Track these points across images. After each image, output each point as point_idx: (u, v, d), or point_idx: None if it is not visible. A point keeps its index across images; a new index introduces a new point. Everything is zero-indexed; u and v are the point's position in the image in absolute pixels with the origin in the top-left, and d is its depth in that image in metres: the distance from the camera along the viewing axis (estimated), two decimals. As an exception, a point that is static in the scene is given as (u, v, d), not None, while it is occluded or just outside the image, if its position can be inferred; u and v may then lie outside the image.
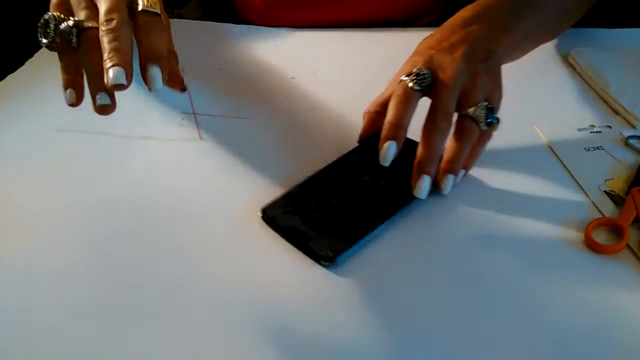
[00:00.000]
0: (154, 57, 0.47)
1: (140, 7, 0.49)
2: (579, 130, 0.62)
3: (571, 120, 0.63)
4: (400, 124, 0.51)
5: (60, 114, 0.64)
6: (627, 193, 0.53)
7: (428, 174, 0.51)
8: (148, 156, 0.59)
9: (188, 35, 0.80)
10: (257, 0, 0.79)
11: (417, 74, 0.52)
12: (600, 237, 0.50)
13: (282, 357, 0.42)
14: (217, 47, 0.77)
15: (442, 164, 0.52)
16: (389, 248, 0.50)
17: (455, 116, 0.52)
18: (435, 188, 0.52)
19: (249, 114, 0.65)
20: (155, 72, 0.47)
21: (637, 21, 0.80)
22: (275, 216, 0.50)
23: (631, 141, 0.59)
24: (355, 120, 0.62)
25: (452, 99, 0.51)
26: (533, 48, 0.64)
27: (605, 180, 0.55)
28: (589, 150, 0.59)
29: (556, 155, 0.58)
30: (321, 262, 0.48)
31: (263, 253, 0.50)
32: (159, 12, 0.50)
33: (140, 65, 0.47)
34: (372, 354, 0.42)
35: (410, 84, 0.52)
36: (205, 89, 0.69)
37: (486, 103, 0.52)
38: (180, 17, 0.86)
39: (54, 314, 0.45)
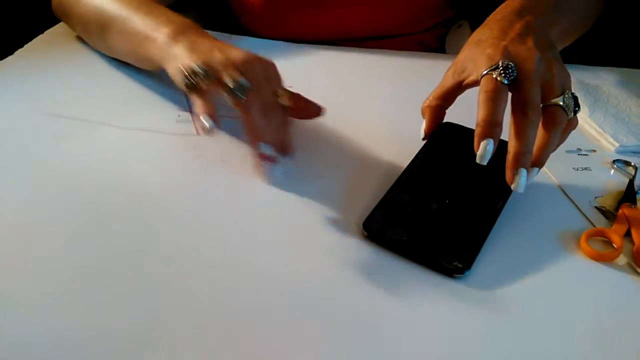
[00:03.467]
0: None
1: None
2: (567, 152, 0.64)
3: (559, 143, 0.65)
4: (496, 120, 0.49)
5: (53, 100, 0.63)
6: (616, 209, 0.55)
7: (525, 167, 0.49)
8: (145, 147, 0.59)
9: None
10: (256, 4, 0.79)
11: (505, 67, 0.50)
12: (595, 247, 0.51)
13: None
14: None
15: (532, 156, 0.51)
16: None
17: None
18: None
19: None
20: None
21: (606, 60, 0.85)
22: (381, 230, 0.49)
23: (617, 164, 0.62)
24: (353, 121, 0.63)
25: (538, 89, 0.51)
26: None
27: (595, 198, 0.57)
28: (577, 170, 0.61)
29: (549, 174, 0.60)
30: (453, 275, 0.47)
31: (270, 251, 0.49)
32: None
33: None
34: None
35: (499, 78, 0.50)
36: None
37: (570, 92, 0.52)
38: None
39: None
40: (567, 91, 0.52)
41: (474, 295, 0.46)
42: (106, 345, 0.40)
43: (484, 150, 0.49)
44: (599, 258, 0.50)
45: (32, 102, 0.63)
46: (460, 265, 0.46)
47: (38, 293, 0.44)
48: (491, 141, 0.49)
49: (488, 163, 0.49)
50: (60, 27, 0.77)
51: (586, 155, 0.64)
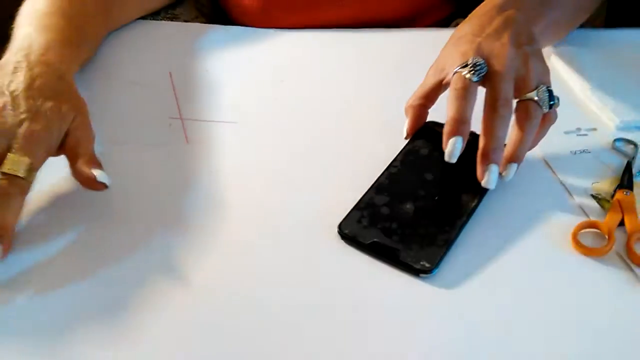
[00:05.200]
0: None
1: (2, 168, 0.47)
2: (566, 133, 0.62)
3: (558, 123, 0.63)
4: (464, 118, 0.50)
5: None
6: (612, 196, 0.53)
7: (496, 163, 0.50)
8: (133, 160, 0.59)
9: (174, 38, 0.80)
10: (252, 2, 0.79)
11: (474, 65, 0.51)
12: (587, 239, 0.50)
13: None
14: (203, 49, 0.77)
15: (507, 152, 0.51)
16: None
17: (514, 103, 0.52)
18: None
19: (237, 118, 0.65)
20: None
21: (620, 21, 0.81)
22: (355, 233, 0.49)
23: (617, 144, 0.60)
24: (345, 121, 0.63)
25: (510, 85, 0.51)
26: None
27: (592, 184, 0.56)
28: (575, 153, 0.60)
29: (544, 159, 0.59)
30: (420, 275, 0.47)
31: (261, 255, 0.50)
32: (22, 175, 0.47)
33: None
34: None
35: (468, 76, 0.51)
36: (192, 91, 0.69)
37: (545, 86, 0.52)
38: (175, 17, 0.86)
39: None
40: (541, 85, 0.51)
41: (446, 294, 0.47)
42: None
43: (452, 147, 0.49)
44: (588, 253, 0.49)
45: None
46: (427, 265, 0.47)
47: (32, 292, 0.46)
48: (460, 139, 0.49)
49: (466, 162, 0.50)
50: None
51: (586, 135, 0.62)
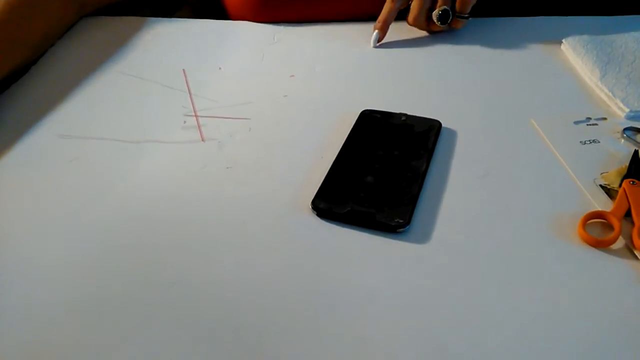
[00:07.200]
0: None
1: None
2: (576, 123, 0.62)
3: (568, 113, 0.64)
4: (384, 19, 0.77)
5: (63, 121, 0.66)
6: (619, 186, 0.54)
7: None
8: (152, 159, 0.61)
9: (185, 35, 0.81)
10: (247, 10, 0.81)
11: None
12: (594, 230, 0.51)
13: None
14: (215, 45, 0.78)
15: None
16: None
17: None
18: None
19: (250, 114, 0.66)
20: None
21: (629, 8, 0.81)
22: (329, 206, 0.54)
23: (627, 133, 0.60)
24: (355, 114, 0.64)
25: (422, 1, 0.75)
26: None
27: (601, 174, 0.56)
28: (584, 143, 0.60)
29: (553, 149, 0.59)
30: (397, 230, 0.51)
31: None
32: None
33: None
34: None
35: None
36: (206, 89, 0.70)
37: (444, 7, 0.74)
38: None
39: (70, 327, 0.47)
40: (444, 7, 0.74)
41: (463, 281, 0.47)
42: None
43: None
44: (595, 243, 0.49)
45: (43, 126, 0.66)
46: (401, 221, 0.52)
47: (48, 304, 0.47)
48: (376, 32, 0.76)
49: (406, 136, 0.61)
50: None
51: (596, 124, 0.62)
